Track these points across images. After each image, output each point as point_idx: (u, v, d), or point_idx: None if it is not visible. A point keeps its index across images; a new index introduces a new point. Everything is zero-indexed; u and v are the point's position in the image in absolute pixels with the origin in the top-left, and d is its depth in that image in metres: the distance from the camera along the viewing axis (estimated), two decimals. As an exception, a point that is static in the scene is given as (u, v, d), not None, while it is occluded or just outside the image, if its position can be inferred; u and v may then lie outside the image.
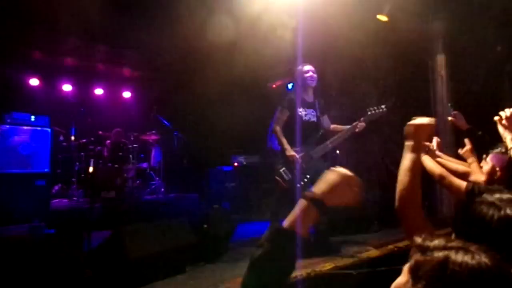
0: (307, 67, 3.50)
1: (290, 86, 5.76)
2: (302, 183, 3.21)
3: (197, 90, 6.07)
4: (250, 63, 5.30)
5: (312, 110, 3.44)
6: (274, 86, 6.28)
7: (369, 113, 3.34)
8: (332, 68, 5.47)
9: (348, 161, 5.54)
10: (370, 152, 5.63)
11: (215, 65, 5.45)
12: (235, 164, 6.00)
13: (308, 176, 3.24)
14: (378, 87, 5.51)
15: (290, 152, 3.25)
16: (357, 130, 3.35)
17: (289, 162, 3.25)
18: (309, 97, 3.46)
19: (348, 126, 3.41)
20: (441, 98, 5.27)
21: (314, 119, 3.41)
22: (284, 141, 3.30)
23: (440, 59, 5.39)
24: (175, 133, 5.97)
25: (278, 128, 3.34)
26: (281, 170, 3.27)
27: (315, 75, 3.45)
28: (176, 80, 6.52)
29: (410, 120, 1.44)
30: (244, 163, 5.98)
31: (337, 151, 5.46)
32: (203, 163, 6.18)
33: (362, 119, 3.35)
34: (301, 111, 3.39)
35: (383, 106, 3.32)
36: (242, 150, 6.21)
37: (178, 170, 6.06)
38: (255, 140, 5.94)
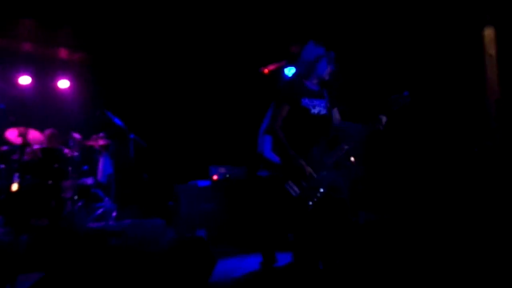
0: (320, 49, 3.50)
1: (288, 70, 5.75)
2: (315, 199, 3.25)
3: (161, 79, 6.14)
4: (233, 40, 5.33)
5: (320, 100, 3.45)
6: (266, 71, 6.20)
7: (390, 103, 3.40)
8: (347, 46, 5.48)
9: (365, 171, 5.63)
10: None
11: (187, 44, 5.47)
12: (214, 177, 5.97)
13: (321, 191, 3.27)
14: (404, 70, 5.59)
15: (298, 160, 3.24)
16: (378, 127, 3.40)
17: (295, 172, 3.25)
18: (314, 84, 3.50)
19: (367, 124, 3.47)
20: (492, 85, 5.32)
21: (324, 112, 3.42)
22: (287, 145, 3.30)
23: (489, 34, 5.42)
24: (131, 137, 5.90)
25: (276, 128, 3.34)
26: (287, 184, 3.26)
27: (333, 69, 3.47)
28: (132, 65, 6.47)
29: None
30: (227, 176, 5.96)
31: (352, 158, 5.52)
32: (170, 176, 6.17)
33: (381, 115, 3.41)
34: (307, 102, 3.40)
35: (406, 94, 3.38)
36: (223, 158, 6.20)
37: (136, 187, 6.05)
38: (240, 145, 5.93)
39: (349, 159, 5.54)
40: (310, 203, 3.20)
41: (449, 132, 5.23)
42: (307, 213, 3.18)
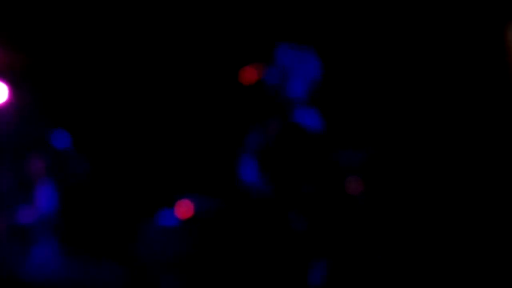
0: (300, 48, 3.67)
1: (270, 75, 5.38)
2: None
3: (116, 84, 5.98)
4: (208, 37, 5.41)
5: (312, 111, 3.57)
6: (253, 76, 5.70)
7: None
8: (346, 45, 5.34)
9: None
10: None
11: (147, 41, 5.50)
12: (183, 211, 5.58)
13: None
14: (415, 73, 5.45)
15: (302, 186, 3.35)
16: None
17: (299, 199, 3.34)
18: (300, 94, 3.62)
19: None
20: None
21: (318, 127, 3.53)
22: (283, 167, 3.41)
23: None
24: (78, 159, 5.52)
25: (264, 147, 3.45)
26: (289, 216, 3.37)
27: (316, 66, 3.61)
28: (79, 66, 6.13)
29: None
30: (201, 210, 5.53)
31: (358, 181, 5.11)
32: (129, 211, 5.81)
33: None
34: (298, 113, 3.52)
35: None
36: (195, 188, 5.83)
37: (85, 225, 5.68)
38: (218, 170, 5.72)
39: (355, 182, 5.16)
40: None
41: (472, 136, 5.17)
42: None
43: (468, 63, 5.25)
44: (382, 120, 4.87)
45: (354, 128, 5.04)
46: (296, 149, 3.66)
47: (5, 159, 5.63)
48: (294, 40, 3.84)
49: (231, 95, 6.09)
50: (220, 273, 5.34)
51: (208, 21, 5.59)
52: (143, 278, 5.28)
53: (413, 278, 4.08)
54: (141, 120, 6.22)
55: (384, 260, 4.30)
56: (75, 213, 5.75)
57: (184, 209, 5.64)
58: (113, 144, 6.26)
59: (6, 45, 6.14)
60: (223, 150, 5.59)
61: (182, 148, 6.18)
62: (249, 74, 5.62)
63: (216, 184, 5.85)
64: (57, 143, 5.63)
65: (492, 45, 5.22)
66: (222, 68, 6.11)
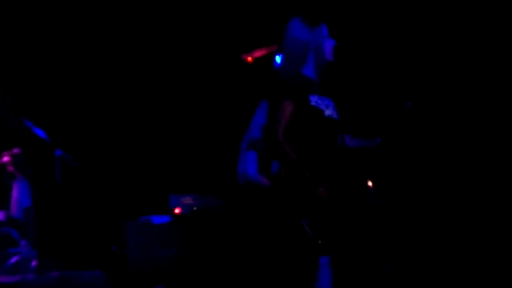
0: (324, 26, 3.35)
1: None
2: (326, 241, 3.05)
3: (99, 73, 5.97)
4: (203, 22, 5.44)
5: (328, 99, 3.27)
6: (250, 59, 5.74)
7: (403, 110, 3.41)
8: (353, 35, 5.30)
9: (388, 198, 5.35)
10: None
11: (137, 27, 5.54)
12: (176, 211, 5.38)
13: (334, 229, 3.10)
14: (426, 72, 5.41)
15: (317, 186, 2.97)
16: (396, 142, 3.39)
17: (311, 203, 3.01)
18: (317, 76, 3.31)
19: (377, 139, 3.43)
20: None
21: (336, 116, 3.27)
22: (299, 164, 3.00)
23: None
24: (58, 153, 5.22)
25: (280, 138, 3.03)
26: (303, 221, 3.00)
27: (335, 43, 3.34)
28: (62, 57, 6.04)
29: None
30: (194, 208, 5.39)
31: (369, 182, 5.15)
32: (114, 210, 5.86)
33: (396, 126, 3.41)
34: (317, 101, 3.18)
35: (409, 104, 3.40)
36: (188, 185, 5.84)
37: (65, 226, 5.54)
38: (213, 165, 5.92)
39: (366, 183, 5.20)
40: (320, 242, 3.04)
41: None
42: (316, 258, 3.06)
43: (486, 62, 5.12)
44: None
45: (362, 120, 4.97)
46: (310, 139, 3.29)
47: None
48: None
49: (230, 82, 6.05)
50: (216, 280, 5.19)
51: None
52: (130, 284, 5.11)
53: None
54: (128, 114, 6.10)
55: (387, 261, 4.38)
56: (51, 212, 5.62)
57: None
58: (100, 140, 6.15)
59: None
60: (221, 144, 5.50)
61: (177, 145, 6.08)
62: (255, 55, 5.66)
63: (212, 180, 5.81)
64: (33, 139, 5.35)
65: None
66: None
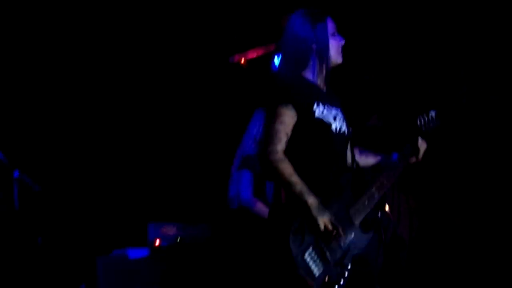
0: (330, 21, 3.15)
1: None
2: (343, 283, 2.87)
3: (66, 85, 5.67)
4: (188, 21, 5.29)
5: (337, 109, 3.07)
6: (242, 61, 5.64)
7: (419, 123, 3.39)
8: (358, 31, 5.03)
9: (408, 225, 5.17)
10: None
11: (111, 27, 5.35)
12: (156, 243, 5.06)
13: (349, 267, 2.90)
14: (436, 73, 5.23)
15: (325, 213, 2.78)
16: (415, 159, 3.31)
17: (316, 235, 2.83)
18: (321, 82, 3.09)
19: (392, 155, 3.33)
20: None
21: (345, 128, 3.08)
22: (303, 185, 2.76)
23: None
24: (16, 175, 4.97)
25: (279, 154, 2.81)
26: (306, 256, 2.77)
27: (343, 40, 3.15)
28: (14, 67, 5.74)
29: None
30: (177, 239, 5.07)
31: (386, 207, 4.85)
32: (83, 242, 5.57)
33: (415, 139, 3.34)
34: (322, 110, 2.96)
35: (433, 114, 3.37)
36: (170, 212, 5.57)
37: (24, 260, 5.17)
38: (198, 189, 5.72)
39: (383, 208, 4.71)
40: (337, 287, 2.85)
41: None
42: None
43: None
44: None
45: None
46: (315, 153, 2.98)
47: None
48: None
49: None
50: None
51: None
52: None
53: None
54: (99, 129, 5.79)
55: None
56: (7, 244, 5.20)
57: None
58: (66, 158, 5.85)
59: None
60: (209, 163, 5.32)
61: (157, 164, 5.85)
62: (249, 56, 5.49)
63: (198, 207, 5.55)
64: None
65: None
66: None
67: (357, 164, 3.14)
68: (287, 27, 3.07)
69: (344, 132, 2.98)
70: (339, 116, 2.99)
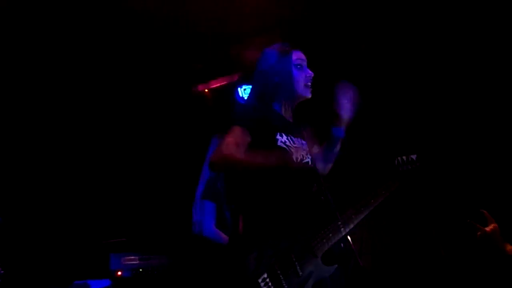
0: (297, 53, 3.14)
1: (244, 91, 5.24)
2: None
3: (19, 110, 5.56)
4: (146, 47, 5.26)
5: (301, 140, 3.08)
6: (206, 90, 5.64)
7: (396, 163, 3.37)
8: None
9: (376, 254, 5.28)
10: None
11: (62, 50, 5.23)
12: (119, 273, 5.00)
13: None
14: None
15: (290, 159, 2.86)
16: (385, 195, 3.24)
17: (272, 264, 2.75)
18: (287, 111, 3.11)
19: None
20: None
21: (308, 159, 3.05)
22: (258, 155, 2.76)
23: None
24: None
25: (231, 152, 2.81)
26: (260, 281, 2.71)
27: (311, 74, 3.11)
28: None
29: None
30: (140, 270, 5.01)
31: (348, 238, 4.63)
32: (42, 273, 5.36)
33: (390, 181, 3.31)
34: (285, 141, 2.94)
35: (413, 157, 3.37)
36: (132, 242, 5.41)
37: None
38: (161, 218, 5.66)
39: (346, 240, 4.60)
40: None
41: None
42: None
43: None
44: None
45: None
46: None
47: None
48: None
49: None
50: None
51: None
52: None
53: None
54: (58, 156, 5.70)
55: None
56: None
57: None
58: (25, 186, 5.71)
59: None
60: (170, 192, 5.24)
61: (115, 192, 5.75)
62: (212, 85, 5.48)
63: (160, 236, 5.48)
64: None
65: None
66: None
67: (326, 195, 3.05)
68: (258, 61, 3.10)
69: (307, 162, 2.96)
70: (303, 147, 2.99)
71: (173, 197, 5.16)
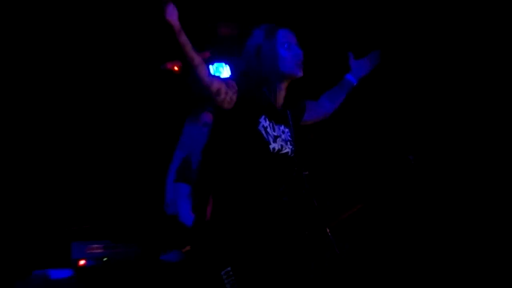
0: (283, 32, 3.04)
1: (216, 68, 5.06)
2: None
3: None
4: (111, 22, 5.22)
5: (285, 127, 3.01)
6: (176, 68, 5.41)
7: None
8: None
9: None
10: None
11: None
12: (81, 262, 4.89)
13: None
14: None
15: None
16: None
17: (238, 252, 2.76)
18: (277, 96, 2.99)
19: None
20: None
21: (288, 149, 2.95)
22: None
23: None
24: None
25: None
26: (223, 273, 2.68)
27: (301, 52, 3.00)
28: None
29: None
30: (104, 259, 4.93)
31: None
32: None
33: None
34: (266, 126, 2.87)
35: (410, 158, 3.65)
36: (97, 229, 5.31)
37: None
38: (127, 203, 5.55)
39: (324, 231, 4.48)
40: None
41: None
42: None
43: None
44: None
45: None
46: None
47: None
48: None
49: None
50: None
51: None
52: None
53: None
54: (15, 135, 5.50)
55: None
56: None
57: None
58: None
59: None
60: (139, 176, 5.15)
61: (79, 175, 5.60)
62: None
63: (127, 224, 5.37)
64: None
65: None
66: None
67: (307, 189, 3.04)
68: (247, 45, 3.01)
69: (286, 153, 2.89)
70: (284, 136, 2.93)
71: (141, 178, 5.06)
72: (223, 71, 4.85)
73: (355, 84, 3.21)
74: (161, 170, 4.25)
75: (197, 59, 2.53)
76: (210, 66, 5.03)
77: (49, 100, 5.68)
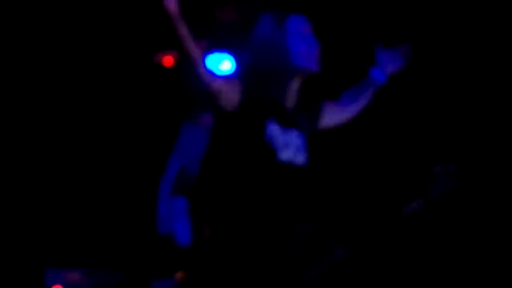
0: (296, 20, 2.75)
1: (212, 60, 4.65)
2: None
3: None
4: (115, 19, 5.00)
5: (296, 134, 2.70)
6: (168, 62, 5.09)
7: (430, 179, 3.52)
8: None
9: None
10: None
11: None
12: None
13: None
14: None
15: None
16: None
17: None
18: (288, 95, 2.72)
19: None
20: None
21: (302, 159, 2.65)
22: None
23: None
24: None
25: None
26: None
27: (317, 43, 2.67)
28: None
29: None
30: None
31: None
32: None
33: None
34: (274, 134, 2.63)
35: (452, 169, 3.45)
36: (74, 255, 5.04)
37: None
38: (114, 222, 5.17)
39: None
40: None
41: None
42: None
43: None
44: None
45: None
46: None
47: None
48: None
49: None
50: None
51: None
52: None
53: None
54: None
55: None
56: None
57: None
58: None
59: None
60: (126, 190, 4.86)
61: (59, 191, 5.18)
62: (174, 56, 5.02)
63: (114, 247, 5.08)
64: None
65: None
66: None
67: (324, 205, 2.85)
68: (252, 36, 2.80)
69: (297, 163, 2.66)
70: (296, 142, 2.69)
71: (128, 190, 4.72)
72: (224, 63, 4.38)
73: (383, 81, 2.83)
74: (152, 181, 3.89)
75: (197, 53, 2.41)
76: (207, 57, 4.52)
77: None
